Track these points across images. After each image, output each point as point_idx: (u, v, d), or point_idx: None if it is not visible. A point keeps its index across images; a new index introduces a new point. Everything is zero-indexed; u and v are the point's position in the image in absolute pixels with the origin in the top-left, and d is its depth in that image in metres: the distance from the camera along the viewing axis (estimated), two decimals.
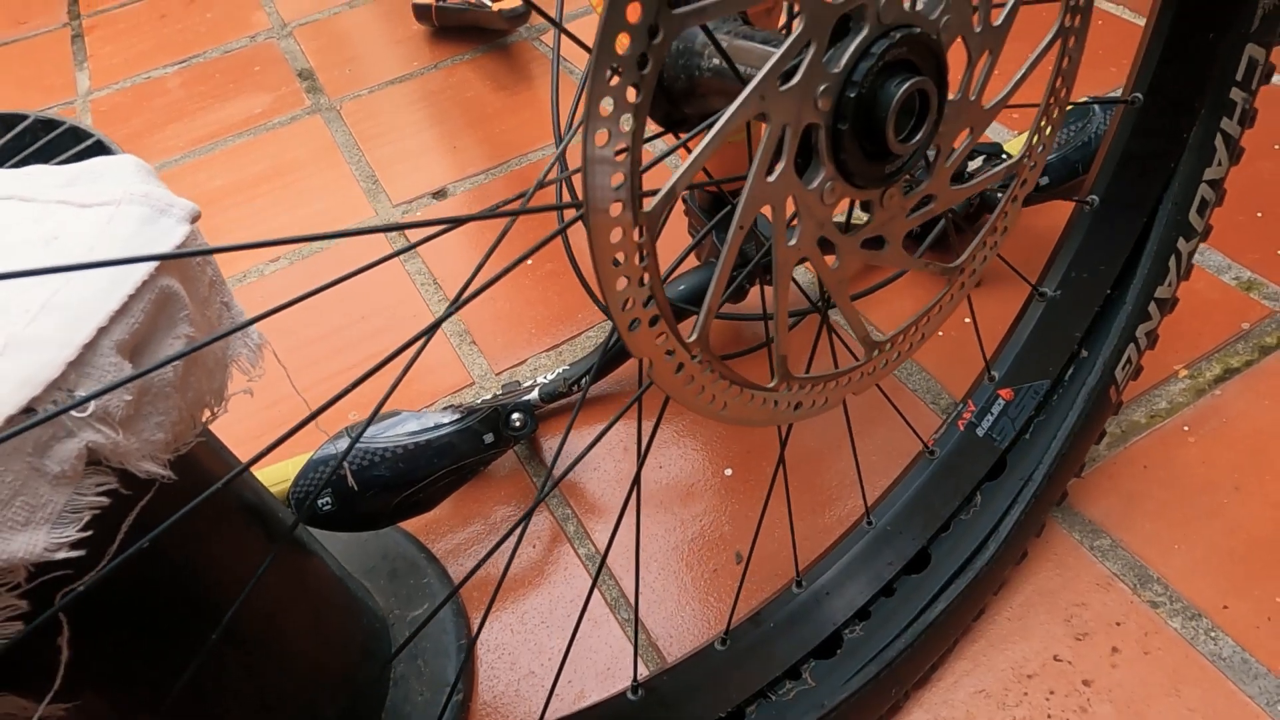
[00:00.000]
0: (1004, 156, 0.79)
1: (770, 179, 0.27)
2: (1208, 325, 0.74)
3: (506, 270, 0.29)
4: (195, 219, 0.33)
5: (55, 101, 1.27)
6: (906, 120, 0.29)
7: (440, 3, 1.20)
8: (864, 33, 0.26)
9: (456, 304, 0.27)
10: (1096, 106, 0.73)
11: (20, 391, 0.26)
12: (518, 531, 0.63)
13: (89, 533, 0.28)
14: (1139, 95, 0.52)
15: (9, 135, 0.39)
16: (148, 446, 0.30)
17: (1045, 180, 0.73)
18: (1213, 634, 0.56)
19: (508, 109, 1.11)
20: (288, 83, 1.22)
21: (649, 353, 0.27)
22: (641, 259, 0.26)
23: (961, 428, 0.58)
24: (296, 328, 0.86)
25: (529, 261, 0.89)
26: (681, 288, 0.66)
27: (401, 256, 0.92)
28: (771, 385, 0.32)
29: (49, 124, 0.38)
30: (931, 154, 0.33)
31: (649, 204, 0.26)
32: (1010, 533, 0.54)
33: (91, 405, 0.27)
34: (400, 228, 0.29)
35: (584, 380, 0.67)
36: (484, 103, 1.12)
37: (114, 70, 1.32)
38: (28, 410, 0.26)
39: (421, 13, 1.23)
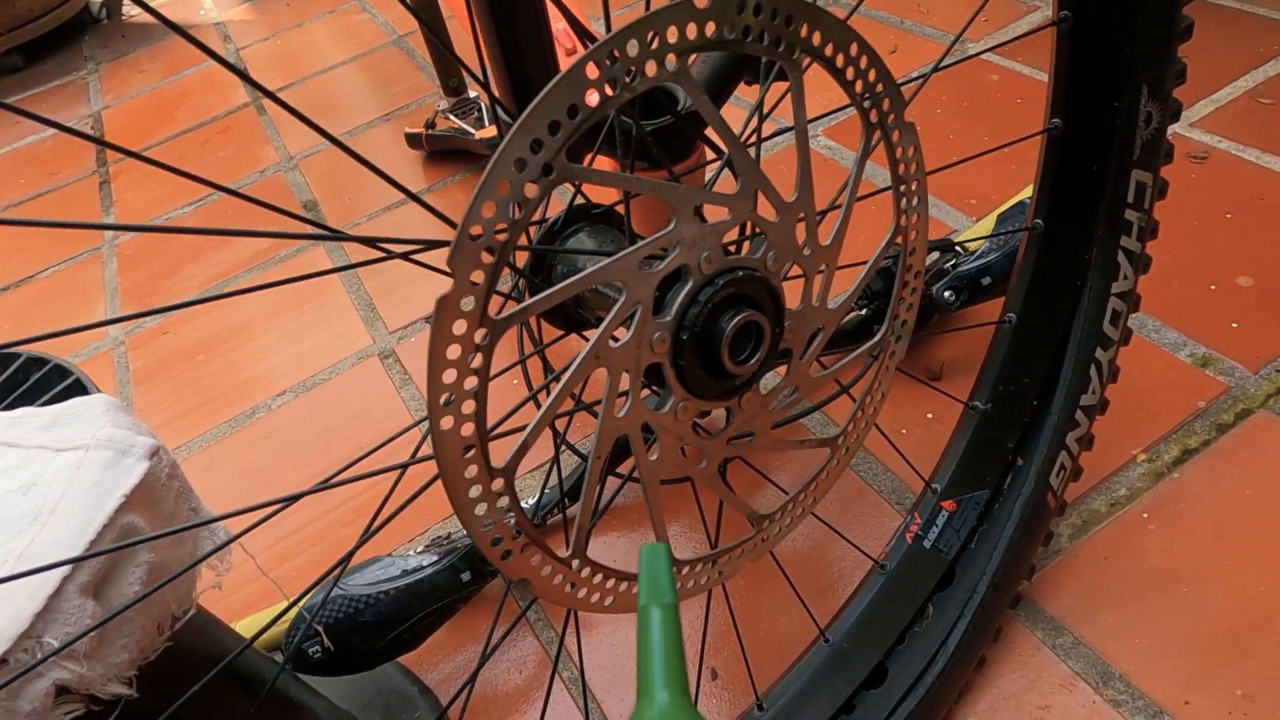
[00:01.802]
0: (957, 248, 0.82)
1: (620, 416, 0.31)
2: (1165, 406, 0.76)
3: (384, 524, 0.33)
4: (153, 454, 0.38)
5: (85, 248, 1.37)
6: (745, 342, 0.33)
7: (430, 130, 1.28)
8: (689, 285, 0.31)
9: (357, 547, 0.31)
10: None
11: None
12: (506, 644, 0.66)
13: None
14: (1039, 222, 0.56)
15: (5, 374, 0.44)
16: (112, 669, 0.35)
17: (988, 280, 0.77)
18: None
19: None
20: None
21: (526, 574, 0.31)
22: (504, 503, 0.30)
23: (909, 540, 0.60)
24: (298, 447, 0.91)
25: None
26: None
27: (397, 384, 0.98)
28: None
29: (39, 361, 0.44)
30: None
31: (504, 461, 0.30)
32: (960, 644, 0.56)
33: (57, 645, 0.32)
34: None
35: (555, 507, 0.70)
36: None
37: (138, 213, 1.42)
38: (0, 663, 0.31)
39: (413, 140, 1.31)
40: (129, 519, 0.36)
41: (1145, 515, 0.69)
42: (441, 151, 1.32)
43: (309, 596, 0.63)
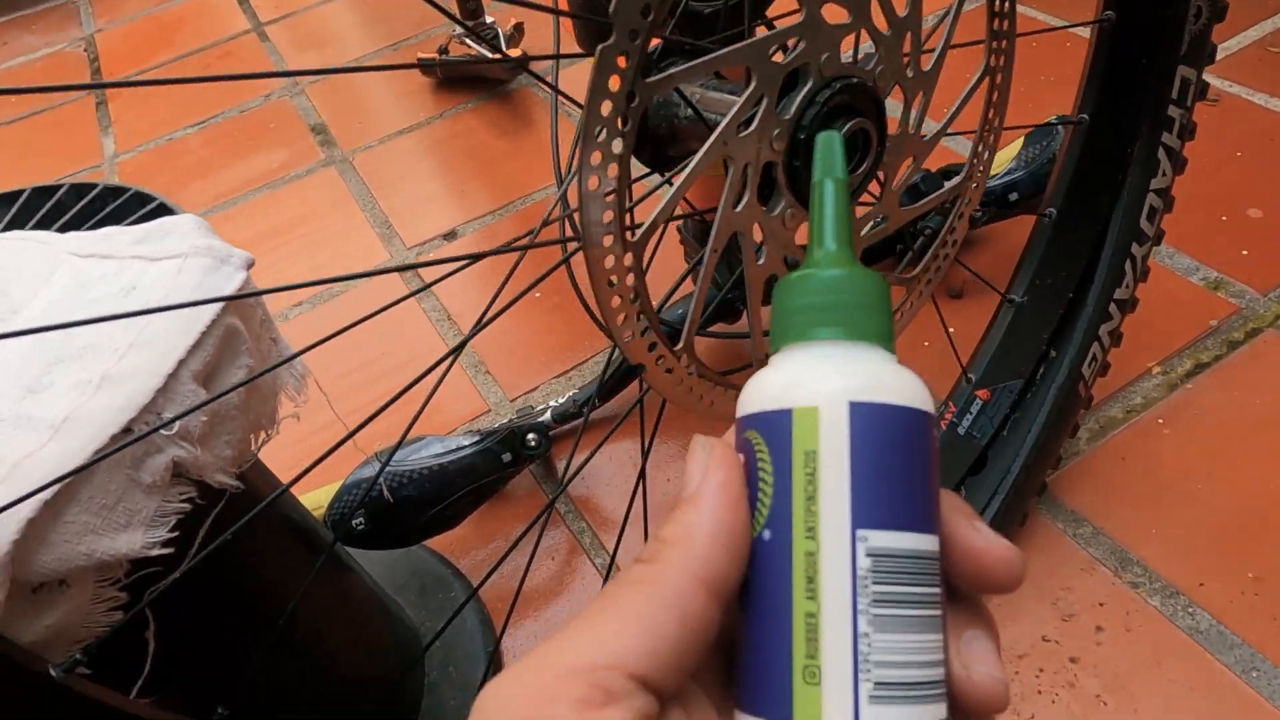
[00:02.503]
0: None
1: (737, 210, 0.32)
2: (1178, 324, 0.79)
3: (518, 298, 0.34)
4: (250, 266, 0.39)
5: (84, 165, 1.34)
6: (852, 154, 0.34)
7: (444, 55, 1.27)
8: (809, 85, 0.32)
9: (479, 326, 0.32)
10: (1059, 125, 0.78)
11: (119, 416, 0.31)
12: (536, 532, 0.68)
13: (175, 533, 0.33)
14: (1085, 116, 0.58)
15: (81, 203, 0.44)
16: (219, 461, 0.35)
17: (1015, 196, 0.78)
18: (1190, 610, 0.60)
19: (511, 153, 1.17)
20: (302, 138, 1.29)
21: (643, 359, 0.32)
22: (633, 281, 0.31)
23: (944, 427, 0.62)
24: (325, 365, 0.91)
25: (537, 294, 0.95)
26: (679, 310, 0.71)
27: (417, 296, 0.98)
28: None
29: (116, 190, 0.44)
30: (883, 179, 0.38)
31: (638, 235, 0.31)
32: (992, 522, 0.58)
33: (176, 425, 0.32)
34: (417, 266, 0.34)
35: (593, 400, 0.71)
36: (488, 148, 1.19)
37: (138, 134, 1.39)
38: (126, 430, 0.31)
39: (427, 65, 1.30)
40: (231, 320, 0.37)
41: (1160, 421, 0.71)
42: (452, 80, 1.31)
43: (355, 469, 0.64)
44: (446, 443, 0.65)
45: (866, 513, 0.19)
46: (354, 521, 0.61)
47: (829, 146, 0.22)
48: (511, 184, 1.12)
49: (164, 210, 0.43)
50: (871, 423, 0.19)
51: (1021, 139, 0.82)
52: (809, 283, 0.21)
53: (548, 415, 0.73)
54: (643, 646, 0.18)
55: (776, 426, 0.20)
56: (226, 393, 0.33)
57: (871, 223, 0.38)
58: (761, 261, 0.34)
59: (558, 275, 0.34)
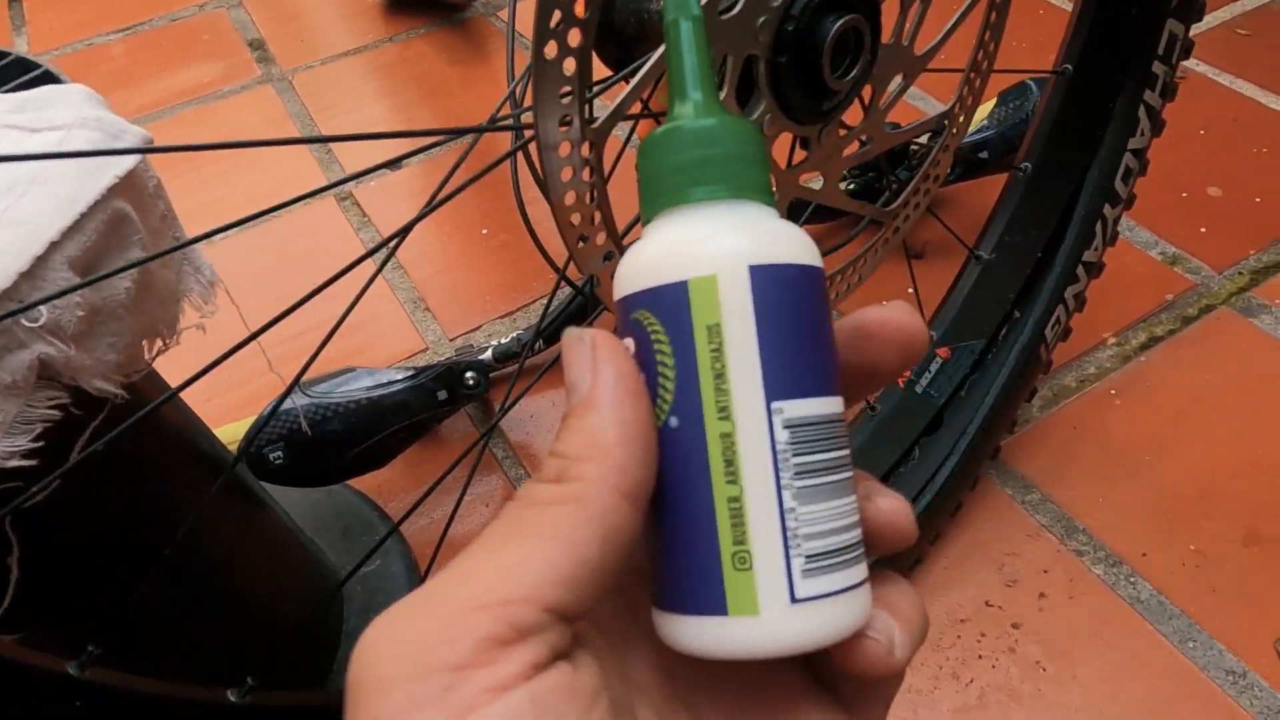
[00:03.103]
0: None
1: None
2: (1135, 297, 0.78)
3: (458, 191, 0.30)
4: (147, 144, 0.33)
5: None
6: (842, 58, 0.31)
7: None
8: None
9: (422, 214, 0.27)
10: (1034, 88, 0.76)
11: None
12: (466, 473, 0.64)
13: (40, 443, 0.28)
14: (1069, 66, 0.55)
15: None
16: (100, 365, 0.31)
17: (985, 155, 0.76)
18: (1132, 579, 0.59)
19: (463, 83, 1.11)
20: (238, 52, 1.20)
21: (596, 270, 0.28)
22: (590, 177, 0.27)
23: (901, 385, 0.60)
24: (245, 285, 0.85)
25: (484, 230, 0.90)
26: None
27: (355, 226, 0.92)
28: None
29: None
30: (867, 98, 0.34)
31: (598, 123, 0.27)
32: (942, 486, 0.57)
33: (43, 317, 0.28)
34: (348, 179, 0.30)
35: (538, 337, 0.68)
36: (439, 76, 1.12)
37: (55, 35, 1.28)
38: None
39: None
40: (120, 204, 0.32)
41: (1112, 392, 0.71)
42: (405, 2, 1.23)
43: (274, 399, 0.59)
44: (377, 376, 0.61)
45: (779, 384, 0.18)
46: (271, 455, 0.57)
47: None
48: (462, 114, 1.06)
49: (49, 78, 0.37)
50: (772, 286, 0.18)
51: (995, 99, 0.80)
52: (678, 136, 0.19)
53: (488, 354, 0.69)
54: (562, 575, 0.16)
55: (671, 302, 0.18)
56: (105, 276, 0.28)
57: (856, 144, 0.35)
58: None
59: (506, 211, 0.30)
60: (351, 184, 0.97)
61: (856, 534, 0.19)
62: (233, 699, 0.34)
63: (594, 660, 0.17)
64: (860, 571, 0.19)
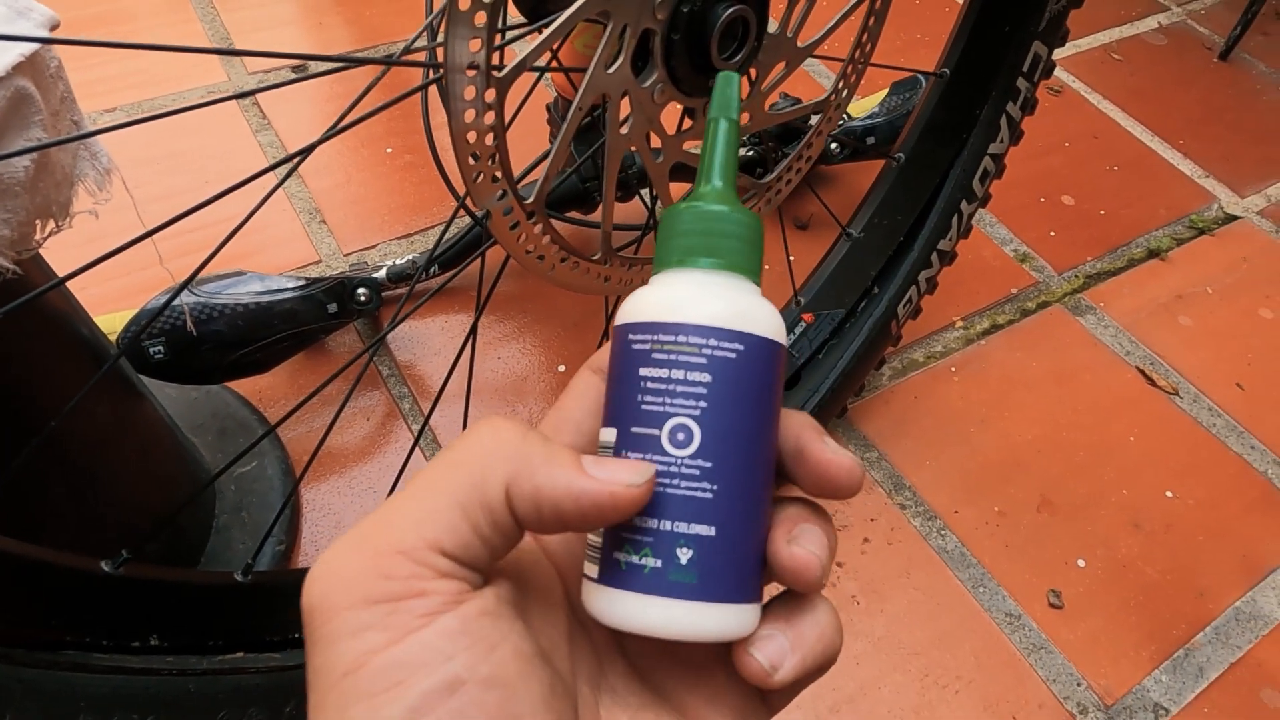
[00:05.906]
0: (845, 118, 0.87)
1: (609, 71, 0.32)
2: (984, 286, 0.86)
3: (365, 118, 0.32)
4: (55, 26, 0.34)
5: None
6: (730, 42, 0.34)
7: None
8: None
9: (326, 135, 0.30)
10: (922, 80, 0.81)
11: None
12: (349, 384, 0.66)
13: None
14: (947, 71, 0.61)
15: None
16: None
17: (872, 140, 0.82)
18: (943, 532, 0.68)
19: None
20: None
21: (491, 207, 0.31)
22: (491, 120, 0.30)
23: None
24: (139, 176, 0.82)
25: (388, 149, 0.89)
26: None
27: (254, 129, 0.90)
28: (595, 257, 0.37)
29: None
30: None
31: (504, 72, 0.30)
32: None
33: None
34: (253, 93, 0.31)
35: (432, 261, 0.69)
36: None
37: None
38: None
39: None
40: (22, 83, 0.32)
41: (953, 369, 0.79)
42: None
43: (158, 294, 0.59)
44: (268, 282, 0.61)
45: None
46: (152, 349, 0.57)
47: (727, 86, 0.23)
48: (377, 27, 1.03)
49: None
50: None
51: (887, 88, 0.86)
52: (695, 214, 0.23)
53: (383, 273, 0.70)
54: (460, 533, 0.19)
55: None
56: (8, 156, 0.29)
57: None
58: (625, 131, 0.34)
59: (412, 132, 0.32)
60: (256, 84, 0.94)
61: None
62: (106, 568, 0.36)
63: (512, 588, 0.20)
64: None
